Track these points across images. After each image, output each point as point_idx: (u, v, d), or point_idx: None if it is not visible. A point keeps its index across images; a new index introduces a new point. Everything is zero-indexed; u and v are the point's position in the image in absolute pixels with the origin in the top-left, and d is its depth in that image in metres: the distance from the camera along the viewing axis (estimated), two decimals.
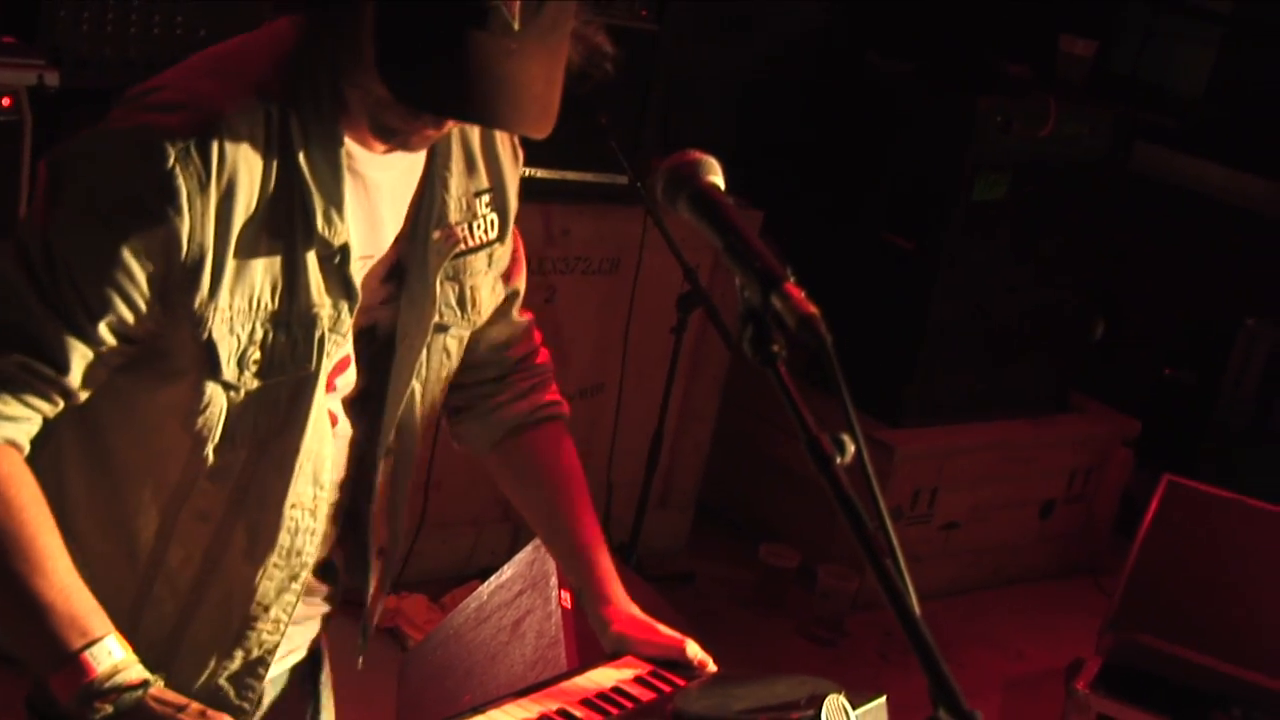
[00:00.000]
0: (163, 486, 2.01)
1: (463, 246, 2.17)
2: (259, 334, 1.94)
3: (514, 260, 2.34)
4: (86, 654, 1.84)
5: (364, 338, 2.11)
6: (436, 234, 2.12)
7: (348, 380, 2.10)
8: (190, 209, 1.84)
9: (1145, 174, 6.10)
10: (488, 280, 2.24)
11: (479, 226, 2.19)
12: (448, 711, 2.14)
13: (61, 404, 1.92)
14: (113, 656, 1.85)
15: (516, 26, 1.80)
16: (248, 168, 1.88)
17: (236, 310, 1.91)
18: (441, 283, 2.15)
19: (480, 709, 2.09)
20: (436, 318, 2.16)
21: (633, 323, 5.14)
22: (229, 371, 1.93)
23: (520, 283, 2.38)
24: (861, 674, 4.90)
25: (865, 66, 5.82)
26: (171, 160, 1.83)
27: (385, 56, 1.83)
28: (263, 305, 1.93)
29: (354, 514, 2.22)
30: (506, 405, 2.41)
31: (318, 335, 1.97)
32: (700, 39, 5.22)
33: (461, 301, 2.20)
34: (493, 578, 3.47)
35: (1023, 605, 5.84)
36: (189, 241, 1.85)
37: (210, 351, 1.91)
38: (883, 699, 2.13)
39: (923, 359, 5.62)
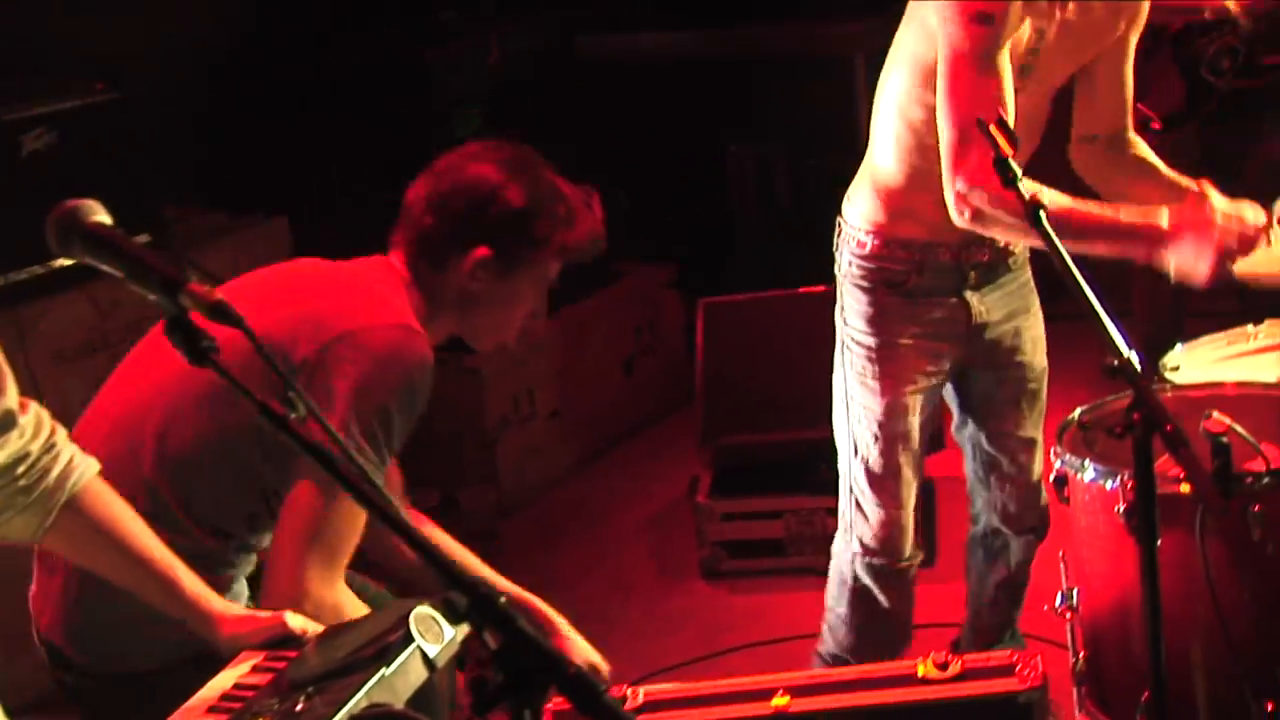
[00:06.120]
0: None
1: None
2: None
3: None
4: None
5: None
6: None
7: None
8: None
9: (592, 60, 6.01)
10: None
11: None
12: None
13: None
14: None
15: None
16: None
17: None
18: None
19: None
20: None
21: None
22: None
23: (11, 399, 2.06)
24: (524, 561, 4.72)
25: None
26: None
27: None
28: None
29: None
30: (41, 491, 2.12)
31: None
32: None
33: None
34: None
35: (639, 454, 5.74)
36: None
37: None
38: None
39: None
